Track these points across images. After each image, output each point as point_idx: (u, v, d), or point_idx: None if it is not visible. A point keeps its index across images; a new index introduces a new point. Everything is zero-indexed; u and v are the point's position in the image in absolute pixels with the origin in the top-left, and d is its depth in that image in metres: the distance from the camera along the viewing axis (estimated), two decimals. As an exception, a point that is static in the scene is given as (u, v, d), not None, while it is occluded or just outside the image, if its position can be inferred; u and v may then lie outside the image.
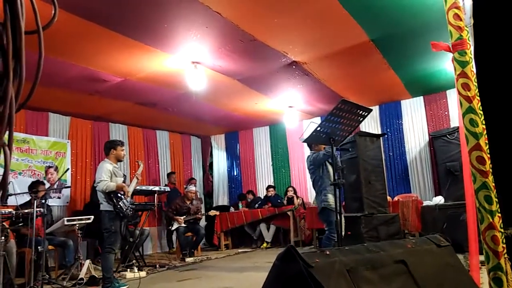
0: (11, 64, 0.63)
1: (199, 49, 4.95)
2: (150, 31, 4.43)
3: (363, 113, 3.37)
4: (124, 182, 4.69)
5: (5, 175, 0.65)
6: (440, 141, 7.07)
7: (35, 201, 4.35)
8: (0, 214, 3.97)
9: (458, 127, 5.92)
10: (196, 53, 5.07)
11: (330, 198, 4.18)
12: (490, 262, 2.03)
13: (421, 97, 7.85)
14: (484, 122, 2.89)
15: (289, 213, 7.81)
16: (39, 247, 4.54)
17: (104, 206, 4.40)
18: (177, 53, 5.02)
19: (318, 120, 8.69)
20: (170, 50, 4.94)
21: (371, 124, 8.24)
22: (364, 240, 5.76)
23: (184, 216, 7.30)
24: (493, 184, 2.69)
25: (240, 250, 7.93)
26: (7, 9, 0.67)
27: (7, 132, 0.63)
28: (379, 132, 7.97)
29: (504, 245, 2.76)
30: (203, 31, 4.49)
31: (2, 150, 0.63)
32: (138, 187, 6.07)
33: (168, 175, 8.95)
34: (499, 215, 2.81)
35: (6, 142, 0.62)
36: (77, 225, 5.11)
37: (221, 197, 10.14)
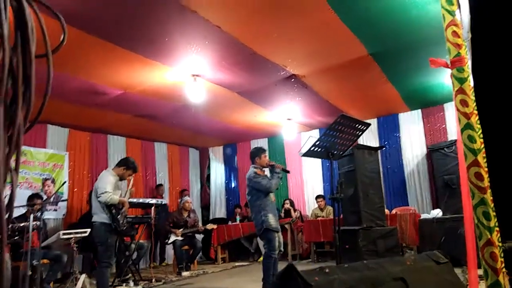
0: (21, 89, 0.64)
1: (199, 62, 4.99)
2: (151, 44, 4.47)
3: (361, 128, 3.39)
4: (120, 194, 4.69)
5: (11, 199, 0.65)
6: (438, 154, 7.09)
7: (31, 215, 4.32)
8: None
9: (455, 140, 5.95)
10: (196, 66, 5.11)
11: (271, 218, 4.28)
12: (489, 278, 2.02)
13: (419, 110, 7.90)
14: (481, 137, 2.91)
15: (286, 226, 7.77)
16: (34, 261, 4.49)
17: (100, 217, 4.33)
18: (177, 66, 5.06)
19: (316, 133, 8.73)
20: (170, 63, 4.98)
21: (369, 137, 8.27)
22: (362, 254, 5.74)
23: (182, 229, 7.25)
24: (492, 198, 2.70)
25: (237, 264, 7.87)
26: (18, 34, 0.68)
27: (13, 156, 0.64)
28: (377, 145, 7.99)
29: (502, 259, 2.76)
30: (203, 44, 4.53)
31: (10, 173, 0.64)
32: (135, 200, 6.04)
33: (157, 187, 8.81)
34: (497, 229, 2.82)
35: (13, 167, 0.62)
36: (73, 238, 5.06)
37: (218, 210, 10.10)
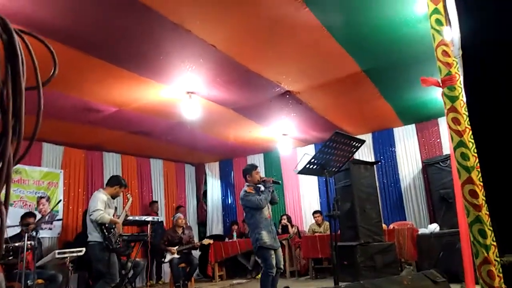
0: (11, 122, 0.64)
1: (194, 80, 5.02)
2: (146, 63, 4.50)
3: (356, 144, 3.41)
4: (115, 213, 4.67)
5: (1, 232, 0.65)
6: (433, 168, 7.12)
7: (26, 234, 4.28)
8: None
9: (450, 155, 5.97)
10: (191, 83, 5.14)
11: (265, 235, 4.25)
12: (487, 297, 2.01)
13: (413, 125, 7.95)
14: (475, 152, 2.93)
15: (284, 242, 7.70)
16: (28, 281, 4.42)
17: (94, 236, 4.35)
18: (172, 84, 5.08)
19: (311, 148, 8.74)
20: (165, 81, 5.01)
21: (364, 152, 8.29)
22: (360, 270, 5.69)
23: (177, 247, 7.16)
24: (487, 215, 2.70)
25: (234, 282, 7.76)
26: (8, 67, 0.69)
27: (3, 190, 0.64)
28: (373, 160, 8.00)
29: (500, 275, 2.75)
30: (198, 63, 4.57)
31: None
32: (131, 217, 6.00)
33: (151, 204, 8.68)
34: (494, 244, 2.81)
35: (3, 200, 0.62)
36: (68, 257, 5.00)
37: (215, 226, 10.01)
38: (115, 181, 4.71)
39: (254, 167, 4.66)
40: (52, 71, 0.77)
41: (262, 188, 4.53)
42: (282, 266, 4.46)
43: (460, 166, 2.07)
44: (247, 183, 4.60)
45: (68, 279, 5.21)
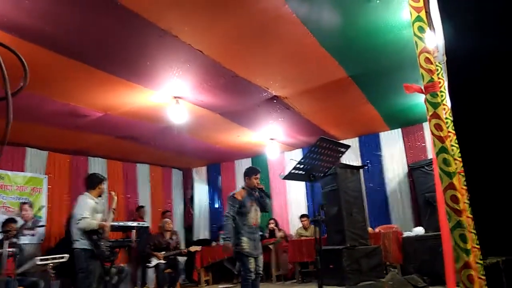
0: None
1: (180, 85, 5.00)
2: (132, 68, 4.47)
3: (341, 149, 3.43)
4: (102, 216, 4.59)
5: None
6: (419, 172, 7.21)
7: (6, 241, 4.18)
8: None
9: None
10: (178, 88, 5.12)
11: (244, 241, 4.27)
12: (467, 300, 2.04)
13: (399, 129, 8.04)
14: (458, 157, 2.98)
15: (271, 246, 7.70)
16: (9, 289, 4.33)
17: (81, 243, 4.26)
18: (159, 89, 5.06)
19: (299, 152, 8.78)
20: (152, 86, 4.98)
21: (351, 156, 8.35)
22: (346, 274, 5.72)
23: (164, 252, 7.10)
24: (469, 219, 2.74)
25: (220, 286, 7.73)
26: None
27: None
28: (359, 164, 8.07)
29: (483, 278, 2.79)
30: (185, 68, 4.56)
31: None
32: (115, 223, 5.91)
33: (137, 209, 8.57)
34: (477, 247, 2.86)
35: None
36: (50, 264, 4.91)
37: (202, 231, 9.95)
38: (94, 180, 4.59)
39: (254, 171, 4.57)
40: (23, 80, 0.75)
41: (257, 194, 4.52)
42: (261, 272, 4.48)
43: (442, 172, 2.09)
44: (242, 186, 4.59)
45: (50, 286, 5.11)
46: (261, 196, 4.53)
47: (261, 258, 4.47)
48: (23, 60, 0.75)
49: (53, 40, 3.70)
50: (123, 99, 5.29)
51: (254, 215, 4.46)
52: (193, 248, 7.61)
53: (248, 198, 4.44)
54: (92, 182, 4.56)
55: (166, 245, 7.25)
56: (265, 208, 4.62)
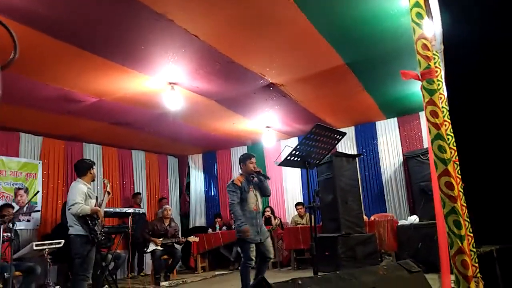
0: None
1: (176, 70, 4.95)
2: (127, 53, 4.41)
3: (337, 137, 3.43)
4: (96, 203, 4.57)
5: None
6: (414, 161, 7.24)
7: (2, 226, 4.18)
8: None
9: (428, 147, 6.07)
10: (173, 74, 5.07)
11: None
12: (460, 286, 2.05)
13: (395, 119, 8.05)
14: (452, 145, 2.98)
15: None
16: (5, 274, 4.34)
17: (76, 229, 4.24)
18: (154, 74, 5.01)
19: (295, 141, 8.77)
20: (147, 72, 4.93)
21: (347, 145, 8.37)
22: (341, 261, 5.78)
23: (162, 239, 7.12)
24: (463, 207, 2.76)
25: (217, 273, 7.79)
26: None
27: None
28: (355, 153, 8.09)
29: (476, 265, 2.82)
30: (181, 53, 4.50)
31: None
32: (111, 209, 5.91)
33: (134, 196, 8.59)
34: (471, 235, 2.88)
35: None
36: (47, 249, 4.92)
37: (198, 218, 9.99)
38: (84, 166, 4.52)
39: (249, 156, 4.61)
40: (12, 54, 0.73)
41: (256, 179, 4.51)
42: (271, 256, 4.48)
43: (437, 159, 2.09)
44: (240, 172, 4.60)
45: (47, 271, 5.13)
46: (260, 180, 4.52)
47: (268, 242, 4.45)
48: (11, 30, 0.72)
49: (46, 22, 3.64)
50: (117, 85, 5.24)
51: (254, 200, 4.45)
52: (191, 239, 7.61)
53: (247, 184, 4.44)
54: (83, 169, 4.51)
55: (164, 231, 7.28)
56: (265, 193, 4.62)
